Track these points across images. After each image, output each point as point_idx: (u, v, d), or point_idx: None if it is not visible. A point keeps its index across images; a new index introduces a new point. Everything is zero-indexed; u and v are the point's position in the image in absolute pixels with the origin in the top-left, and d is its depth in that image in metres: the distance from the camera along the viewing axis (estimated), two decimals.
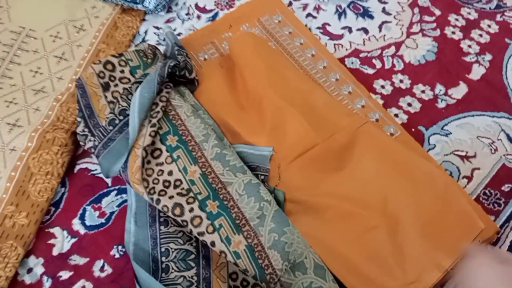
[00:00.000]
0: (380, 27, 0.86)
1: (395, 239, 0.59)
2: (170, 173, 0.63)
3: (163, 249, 0.60)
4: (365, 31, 0.86)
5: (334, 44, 0.84)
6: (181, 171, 0.63)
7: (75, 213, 0.68)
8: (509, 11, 0.87)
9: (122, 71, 0.73)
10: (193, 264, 0.58)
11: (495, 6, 0.88)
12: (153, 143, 0.65)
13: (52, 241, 0.66)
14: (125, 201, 0.69)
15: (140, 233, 0.63)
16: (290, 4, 0.91)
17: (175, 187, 0.62)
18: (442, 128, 0.73)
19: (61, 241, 0.66)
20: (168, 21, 0.91)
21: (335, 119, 0.69)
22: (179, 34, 0.88)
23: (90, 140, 0.68)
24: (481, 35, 0.83)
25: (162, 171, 0.63)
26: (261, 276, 0.55)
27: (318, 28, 0.87)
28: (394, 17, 0.87)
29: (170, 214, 0.59)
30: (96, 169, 0.72)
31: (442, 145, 0.71)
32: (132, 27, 0.89)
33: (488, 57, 0.80)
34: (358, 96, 0.76)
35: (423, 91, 0.77)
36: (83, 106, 0.71)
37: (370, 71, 0.80)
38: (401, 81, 0.79)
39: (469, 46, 0.82)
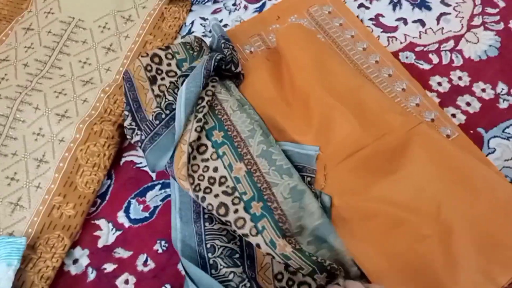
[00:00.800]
0: (438, 19, 0.80)
1: (448, 250, 0.55)
2: (216, 169, 0.62)
3: (208, 246, 0.59)
4: (422, 23, 0.81)
5: (388, 37, 0.80)
6: (226, 168, 0.62)
7: (120, 206, 0.68)
8: None
9: (169, 64, 0.72)
10: (239, 263, 0.57)
11: None
12: (198, 138, 0.64)
13: (97, 233, 0.67)
14: (169, 195, 0.69)
15: (186, 229, 0.62)
16: None
17: (220, 184, 0.61)
18: (503, 131, 0.68)
19: (106, 233, 0.66)
20: (214, 11, 0.89)
21: (387, 118, 0.65)
22: (225, 26, 0.86)
23: (137, 134, 0.68)
24: None
25: (208, 167, 0.62)
26: (320, 269, 0.54)
27: (371, 19, 0.83)
28: (454, 9, 0.81)
29: (214, 212, 0.59)
30: (141, 162, 0.72)
31: (502, 149, 0.66)
32: (178, 18, 0.88)
33: None
34: (412, 94, 0.71)
35: (483, 90, 0.72)
36: (131, 99, 0.70)
37: (426, 66, 0.75)
38: (459, 78, 0.73)
39: None
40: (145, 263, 0.63)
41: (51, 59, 0.81)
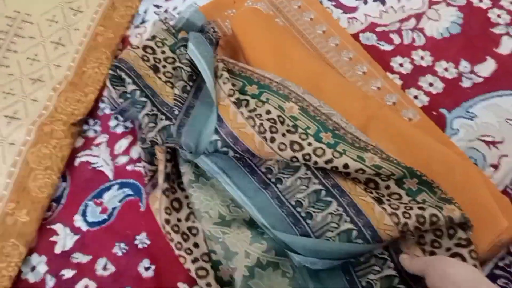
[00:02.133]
0: None
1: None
2: (268, 112, 0.60)
3: (293, 202, 0.57)
4: (382, 1, 0.78)
5: (348, 18, 0.77)
6: (277, 109, 0.60)
7: (77, 209, 0.66)
8: None
9: (163, 52, 0.70)
10: (329, 199, 0.55)
11: None
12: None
13: (54, 238, 0.64)
14: (128, 195, 0.66)
15: (259, 200, 0.58)
16: None
17: (281, 123, 0.59)
18: (466, 111, 0.67)
19: (63, 239, 0.64)
20: None
21: (346, 104, 0.63)
22: (179, 13, 0.83)
23: (161, 119, 0.63)
24: None
25: (260, 114, 0.60)
26: (410, 172, 0.54)
27: (330, 0, 0.80)
28: None
29: (289, 150, 0.55)
30: (97, 162, 0.69)
31: (466, 130, 0.65)
32: (131, 7, 0.84)
33: None
34: (373, 77, 0.70)
35: (446, 69, 0.70)
36: (142, 86, 0.65)
37: (388, 47, 0.73)
38: (422, 58, 0.72)
39: (499, 16, 0.73)
40: (104, 267, 0.61)
41: None
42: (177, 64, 0.66)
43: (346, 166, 0.53)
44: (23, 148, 0.67)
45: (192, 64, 0.65)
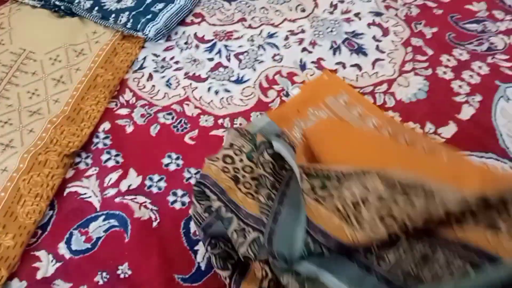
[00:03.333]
0: (373, 64, 0.88)
1: None
2: (353, 194, 0.56)
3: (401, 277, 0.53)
4: (359, 67, 0.88)
5: None
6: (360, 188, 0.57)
7: (61, 237, 0.67)
8: (499, 53, 0.89)
9: (241, 160, 0.67)
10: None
11: (486, 48, 0.90)
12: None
13: (36, 264, 0.65)
14: (113, 226, 0.69)
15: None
16: (286, 38, 0.94)
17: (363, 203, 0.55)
18: None
19: (46, 265, 0.65)
20: (167, 49, 0.93)
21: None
22: (177, 62, 0.90)
23: (249, 232, 0.59)
24: (471, 76, 0.85)
25: (343, 199, 0.57)
26: None
27: (313, 62, 0.89)
28: (387, 55, 0.90)
29: (381, 228, 0.53)
30: (85, 193, 0.72)
31: None
32: (131, 54, 0.90)
33: (478, 98, 0.82)
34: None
35: (413, 129, 0.79)
36: (226, 201, 0.63)
37: None
38: (391, 118, 0.80)
39: (460, 86, 0.84)
40: None
41: None
42: (260, 171, 0.64)
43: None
44: (16, 175, 0.70)
45: (274, 172, 0.63)
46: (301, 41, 0.93)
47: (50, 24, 0.92)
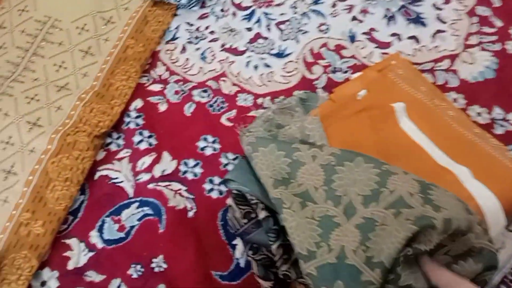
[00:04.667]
0: (433, 36, 0.78)
1: None
2: None
3: None
4: (416, 40, 0.78)
5: (381, 53, 0.77)
6: None
7: (93, 225, 0.64)
8: None
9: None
10: None
11: None
12: None
13: (68, 253, 0.62)
14: (147, 214, 0.64)
15: None
16: (334, 5, 0.84)
17: None
18: None
19: (77, 254, 0.62)
20: (201, 17, 0.85)
21: None
22: (212, 32, 0.82)
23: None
24: None
25: None
26: None
27: (364, 33, 0.79)
28: (449, 26, 0.79)
29: None
30: (117, 178, 0.68)
31: None
32: (162, 22, 0.83)
33: None
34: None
35: (479, 113, 0.69)
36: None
37: None
38: (455, 100, 0.71)
39: None
40: None
41: (23, 61, 0.76)
42: None
43: None
44: (44, 157, 0.65)
45: None
46: (350, 8, 0.83)
47: None
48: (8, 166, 0.66)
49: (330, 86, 0.73)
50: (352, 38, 0.79)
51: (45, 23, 0.80)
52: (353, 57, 0.77)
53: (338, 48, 0.78)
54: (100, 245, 0.62)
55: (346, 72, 0.75)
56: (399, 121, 0.61)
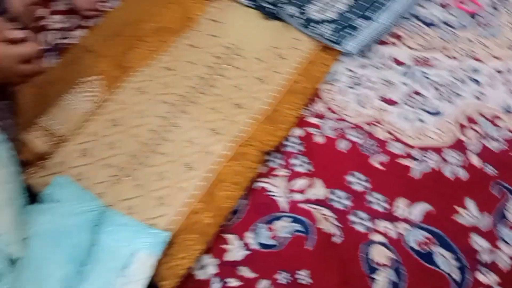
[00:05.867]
0: None
1: None
2: None
3: None
4: None
5: None
6: None
7: (249, 227, 0.73)
8: None
9: None
10: None
11: None
12: None
13: (226, 246, 0.71)
14: (297, 230, 0.72)
15: None
16: (492, 76, 0.88)
17: None
18: None
19: (234, 249, 0.70)
20: (361, 65, 0.94)
21: None
22: (370, 81, 0.90)
23: None
24: None
25: None
26: None
27: None
28: None
29: None
30: (273, 191, 0.76)
31: None
32: (327, 65, 0.93)
33: None
34: None
35: None
36: None
37: None
38: None
39: None
40: None
41: (209, 78, 0.90)
42: None
43: None
44: (220, 160, 0.77)
45: None
46: (508, 82, 0.87)
47: (258, 25, 0.99)
48: (189, 161, 0.78)
49: (484, 153, 0.77)
50: (508, 111, 0.83)
51: (230, 49, 0.94)
52: (509, 130, 0.80)
53: (493, 118, 0.82)
54: (254, 246, 0.71)
55: (500, 142, 0.78)
56: None
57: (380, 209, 0.73)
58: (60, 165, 0.78)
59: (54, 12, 1.03)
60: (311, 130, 0.84)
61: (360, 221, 0.72)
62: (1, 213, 0.61)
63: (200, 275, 0.68)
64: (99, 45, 0.95)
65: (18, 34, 0.72)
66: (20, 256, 0.63)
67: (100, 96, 0.87)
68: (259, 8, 1.01)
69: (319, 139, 0.83)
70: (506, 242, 0.69)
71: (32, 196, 0.71)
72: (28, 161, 0.77)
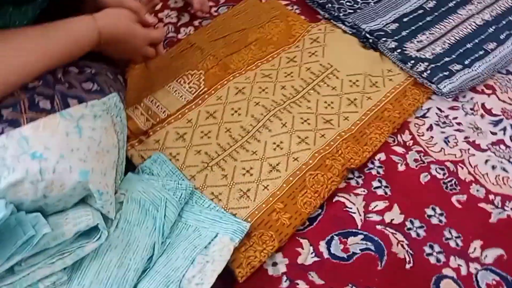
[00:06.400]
0: None
1: None
2: None
3: None
4: None
5: None
6: None
7: (324, 236, 0.75)
8: None
9: None
10: None
11: None
12: None
13: (299, 249, 0.74)
14: (369, 249, 0.73)
15: None
16: None
17: None
18: None
19: (306, 254, 0.73)
20: (452, 108, 0.95)
21: None
22: (459, 123, 0.91)
23: None
24: None
25: None
26: None
27: None
28: None
29: None
30: (351, 208, 0.79)
31: None
32: (418, 100, 0.95)
33: None
34: None
35: None
36: None
37: None
38: None
39: None
40: None
41: (303, 91, 0.94)
42: None
43: None
44: (304, 167, 0.80)
45: None
46: None
47: (356, 51, 1.03)
48: (275, 163, 0.82)
49: None
50: None
51: (327, 68, 0.99)
52: None
53: None
54: (325, 255, 0.73)
55: None
56: None
57: (454, 246, 0.74)
58: (158, 144, 0.85)
59: (169, 8, 1.14)
60: (395, 158, 0.86)
61: (434, 253, 0.73)
62: (109, 174, 0.68)
63: (272, 271, 0.71)
64: (207, 44, 1.03)
65: (151, 19, 0.80)
66: (115, 218, 0.69)
67: (202, 89, 0.94)
68: (361, 38, 1.05)
69: (401, 167, 0.85)
70: None
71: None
72: (129, 135, 0.85)
